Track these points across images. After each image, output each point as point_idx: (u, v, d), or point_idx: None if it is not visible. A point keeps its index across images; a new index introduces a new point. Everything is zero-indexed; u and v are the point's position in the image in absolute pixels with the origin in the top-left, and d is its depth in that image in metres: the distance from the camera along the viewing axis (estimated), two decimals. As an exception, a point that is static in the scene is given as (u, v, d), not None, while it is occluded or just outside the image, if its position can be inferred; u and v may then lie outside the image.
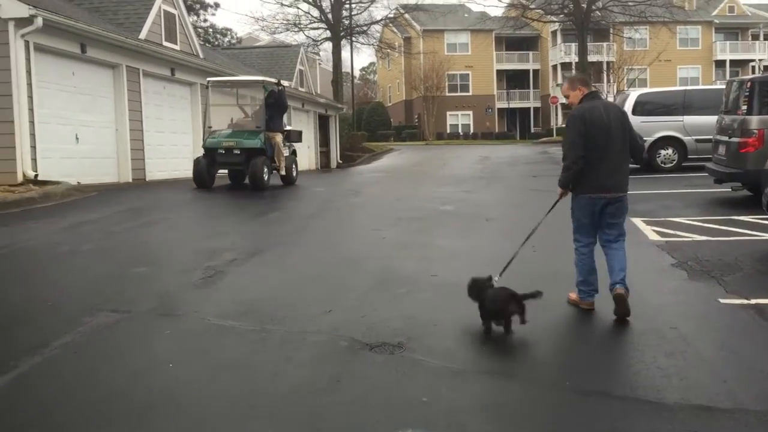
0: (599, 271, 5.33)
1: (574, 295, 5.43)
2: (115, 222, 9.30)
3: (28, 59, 12.03)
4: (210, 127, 14.34)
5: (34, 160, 12.14)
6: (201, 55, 19.64)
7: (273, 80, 15.34)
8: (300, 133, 17.38)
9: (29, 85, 12.06)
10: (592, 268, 5.32)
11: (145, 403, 3.69)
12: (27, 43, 11.98)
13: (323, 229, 9.48)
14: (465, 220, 9.86)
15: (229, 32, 42.36)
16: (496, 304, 4.81)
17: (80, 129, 13.89)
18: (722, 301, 5.54)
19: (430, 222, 9.48)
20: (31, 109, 12.10)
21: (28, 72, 12.04)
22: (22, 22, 11.72)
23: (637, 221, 9.37)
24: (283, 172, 14.47)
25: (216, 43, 41.08)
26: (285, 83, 16.88)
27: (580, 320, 5.24)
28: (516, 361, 4.44)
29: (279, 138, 14.16)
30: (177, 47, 18.16)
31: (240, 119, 15.12)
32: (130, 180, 15.25)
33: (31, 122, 12.11)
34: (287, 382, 4.00)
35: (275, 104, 14.21)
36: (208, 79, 15.37)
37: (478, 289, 4.98)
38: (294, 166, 15.21)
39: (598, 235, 5.38)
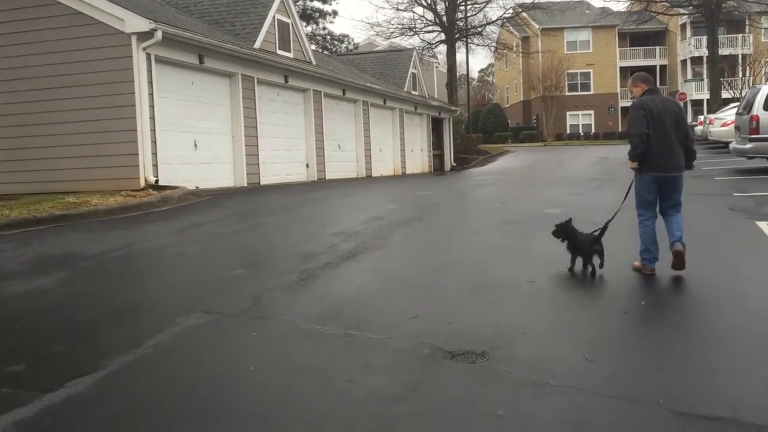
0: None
1: (637, 263, 6.34)
2: (223, 224, 9.65)
3: (149, 71, 12.75)
4: None
5: (155, 166, 12.84)
6: (314, 62, 20.10)
7: None
8: None
9: (150, 95, 12.78)
10: (653, 239, 6.26)
11: (218, 406, 3.73)
12: (148, 55, 12.71)
13: (421, 234, 9.41)
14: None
15: (346, 38, 43.26)
16: (583, 244, 6.31)
17: (198, 136, 14.57)
18: None
19: (533, 226, 9.16)
20: (152, 118, 12.82)
21: (150, 83, 12.76)
22: (143, 36, 12.44)
23: (763, 225, 8.68)
24: None
25: (334, 49, 42.04)
26: None
27: (677, 327, 4.85)
28: (604, 373, 4.15)
29: None
30: (290, 55, 18.69)
31: None
32: (245, 184, 15.83)
33: (153, 130, 12.82)
34: (362, 389, 3.93)
35: None
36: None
37: (564, 230, 6.54)
38: None
39: (660, 207, 6.40)
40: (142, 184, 12.44)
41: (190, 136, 14.34)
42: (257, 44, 16.86)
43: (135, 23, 12.38)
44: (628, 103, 54.76)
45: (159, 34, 12.40)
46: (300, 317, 5.24)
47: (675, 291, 6.05)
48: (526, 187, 15.65)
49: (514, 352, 4.41)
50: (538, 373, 4.08)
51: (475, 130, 48.75)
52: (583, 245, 6.34)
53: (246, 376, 4.20)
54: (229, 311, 5.45)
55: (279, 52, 18.09)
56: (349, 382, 4.02)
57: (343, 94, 21.25)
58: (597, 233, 6.31)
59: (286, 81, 17.80)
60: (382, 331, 4.88)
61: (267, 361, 4.43)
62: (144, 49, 12.54)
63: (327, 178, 19.81)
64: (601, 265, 6.27)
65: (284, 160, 17.89)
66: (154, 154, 12.85)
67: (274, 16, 18.05)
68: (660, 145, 6.17)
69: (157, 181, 12.69)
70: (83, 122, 12.80)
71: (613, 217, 6.52)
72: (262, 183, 16.52)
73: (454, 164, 32.72)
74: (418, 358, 4.35)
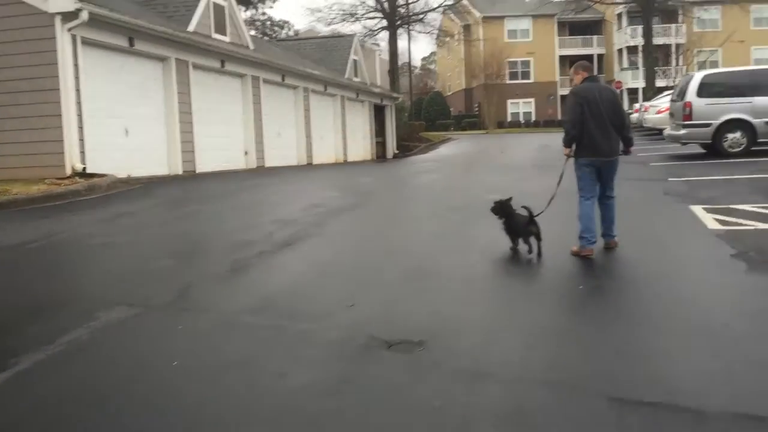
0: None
1: (575, 248, 6.38)
2: (153, 213, 9.26)
3: (75, 53, 12.15)
4: None
5: (82, 153, 12.27)
6: (251, 47, 19.61)
7: None
8: None
9: (77, 78, 12.18)
10: (592, 218, 6.40)
11: (134, 405, 3.47)
12: (74, 37, 12.10)
13: (359, 221, 9.21)
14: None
15: (286, 24, 42.57)
16: (519, 225, 6.40)
17: (130, 122, 14.01)
18: (785, 296, 5.02)
19: (473, 212, 9.07)
20: (78, 103, 12.23)
21: (76, 66, 12.17)
22: (68, 16, 11.83)
23: (697, 209, 8.76)
24: None
25: (274, 35, 41.32)
26: None
27: (614, 312, 4.80)
28: (543, 361, 4.04)
29: None
30: (227, 39, 18.18)
31: None
32: (180, 172, 15.33)
33: (79, 116, 12.24)
34: (293, 383, 3.72)
35: None
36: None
37: (502, 207, 6.60)
38: None
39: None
40: (69, 172, 11.86)
41: (121, 122, 13.77)
42: (191, 27, 16.31)
43: (58, 3, 11.74)
44: (567, 92, 55.54)
45: (85, 15, 11.81)
46: (230, 309, 5.00)
47: (611, 276, 6.03)
48: (467, 174, 15.63)
49: (453, 340, 4.28)
50: (477, 362, 3.95)
51: (417, 117, 48.77)
52: (518, 226, 6.42)
53: (168, 371, 3.93)
54: (154, 304, 5.16)
55: (215, 35, 17.57)
56: (278, 376, 3.81)
57: (283, 80, 20.82)
58: (531, 215, 6.32)
59: (223, 66, 17.31)
60: (316, 321, 4.68)
61: (193, 355, 4.18)
62: (69, 30, 11.93)
63: (266, 165, 19.40)
64: (539, 252, 6.30)
65: (221, 148, 17.41)
66: (81, 140, 12.27)
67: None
68: (596, 131, 6.39)
69: (84, 168, 12.12)
70: (4, 107, 12.11)
71: (549, 203, 6.63)
72: (198, 171, 16.03)
73: (397, 152, 32.62)
74: (354, 349, 4.17)
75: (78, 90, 12.22)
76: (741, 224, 7.72)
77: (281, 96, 21.29)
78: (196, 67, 16.20)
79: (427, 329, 4.43)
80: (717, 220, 8.03)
